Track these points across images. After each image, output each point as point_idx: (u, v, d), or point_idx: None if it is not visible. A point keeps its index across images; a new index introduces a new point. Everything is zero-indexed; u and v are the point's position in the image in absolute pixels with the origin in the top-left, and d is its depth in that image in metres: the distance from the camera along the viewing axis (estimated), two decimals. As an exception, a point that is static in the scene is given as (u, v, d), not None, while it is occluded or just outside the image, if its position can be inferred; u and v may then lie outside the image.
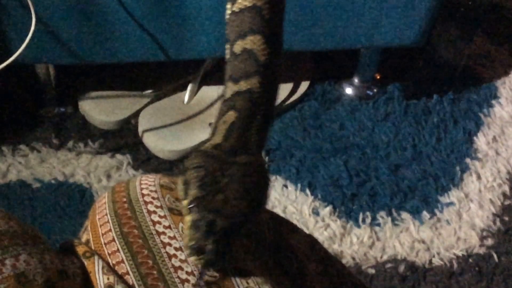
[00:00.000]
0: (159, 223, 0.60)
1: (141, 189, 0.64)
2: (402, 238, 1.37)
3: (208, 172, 0.56)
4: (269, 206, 1.40)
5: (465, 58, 1.69)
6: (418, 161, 1.50)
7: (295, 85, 1.60)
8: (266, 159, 1.47)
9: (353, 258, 1.33)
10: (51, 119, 1.50)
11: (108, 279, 0.58)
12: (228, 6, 0.62)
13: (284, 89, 1.58)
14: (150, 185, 0.64)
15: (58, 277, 0.57)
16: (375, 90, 1.63)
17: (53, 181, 1.39)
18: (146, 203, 0.62)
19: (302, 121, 1.55)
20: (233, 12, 0.62)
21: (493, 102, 1.63)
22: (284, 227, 0.69)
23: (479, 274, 1.32)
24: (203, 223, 0.53)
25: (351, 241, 1.36)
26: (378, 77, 1.64)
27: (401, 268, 1.32)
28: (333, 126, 1.55)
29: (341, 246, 1.35)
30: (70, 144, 1.46)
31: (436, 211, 1.41)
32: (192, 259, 0.53)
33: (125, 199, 0.63)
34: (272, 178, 1.44)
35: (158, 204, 0.62)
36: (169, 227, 0.60)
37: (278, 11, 0.62)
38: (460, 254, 1.35)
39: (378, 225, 1.39)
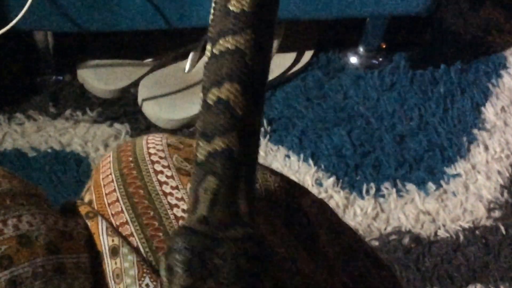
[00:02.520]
0: (166, 183, 0.58)
1: (148, 148, 0.61)
2: (407, 210, 1.34)
3: (195, 254, 0.47)
4: (270, 176, 1.37)
5: (473, 28, 1.65)
6: (424, 131, 1.46)
7: (298, 54, 1.56)
8: (268, 129, 1.44)
9: (357, 230, 1.30)
10: (48, 87, 1.47)
11: (112, 240, 0.56)
12: (208, 47, 0.52)
13: (287, 58, 1.54)
14: (157, 144, 0.61)
15: (61, 238, 0.56)
16: (380, 60, 1.59)
17: (49, 150, 1.37)
18: (153, 162, 0.59)
19: (305, 90, 1.52)
20: (213, 55, 0.52)
21: (502, 72, 1.59)
22: (295, 190, 0.65)
23: (485, 247, 1.29)
24: None
25: (354, 213, 1.33)
26: (384, 46, 1.60)
27: (406, 240, 1.29)
28: (337, 96, 1.52)
29: (344, 217, 1.32)
30: (68, 112, 1.43)
31: (442, 182, 1.38)
32: None
33: (131, 158, 0.60)
34: (274, 148, 1.41)
35: (166, 163, 0.59)
36: (177, 187, 0.57)
37: (264, 57, 0.52)
38: (466, 226, 1.31)
39: (383, 196, 1.36)
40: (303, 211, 0.63)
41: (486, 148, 1.44)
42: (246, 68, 0.51)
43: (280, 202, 0.62)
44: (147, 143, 0.62)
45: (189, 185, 0.57)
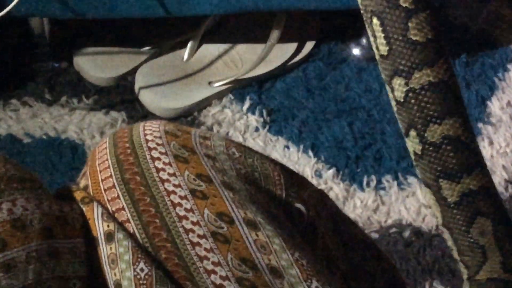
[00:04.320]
0: (163, 170, 0.57)
1: (145, 134, 0.60)
2: (408, 203, 1.30)
3: None
4: (268, 166, 1.34)
5: (480, 21, 1.62)
6: (427, 124, 1.43)
7: (299, 44, 1.53)
8: (268, 119, 1.41)
9: (357, 222, 1.27)
10: (44, 74, 1.45)
11: (108, 226, 0.55)
12: (397, 81, 0.50)
13: (288, 49, 1.51)
14: (154, 131, 0.60)
15: (56, 223, 0.56)
16: (384, 52, 1.56)
17: (44, 137, 1.35)
18: (150, 149, 0.58)
19: (306, 81, 1.49)
20: (411, 90, 0.50)
21: (509, 66, 1.55)
22: (295, 179, 0.64)
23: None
24: None
25: (354, 205, 1.30)
26: (388, 38, 1.57)
27: (406, 233, 1.26)
28: (338, 87, 1.49)
29: (344, 209, 1.29)
30: (63, 99, 1.41)
31: (445, 176, 1.34)
32: None
33: (127, 145, 0.59)
34: (274, 139, 1.39)
35: (163, 150, 0.58)
36: (174, 174, 0.56)
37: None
38: (469, 220, 1.28)
39: (383, 189, 1.33)
40: (302, 201, 0.61)
41: (491, 142, 1.41)
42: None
43: (279, 191, 0.60)
44: (144, 129, 0.61)
45: (186, 172, 0.55)
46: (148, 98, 1.41)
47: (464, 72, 1.53)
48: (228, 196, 0.55)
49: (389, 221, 1.28)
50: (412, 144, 0.52)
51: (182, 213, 0.54)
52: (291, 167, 1.32)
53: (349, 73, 1.51)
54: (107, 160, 0.59)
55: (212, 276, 0.52)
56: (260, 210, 0.56)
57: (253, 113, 1.41)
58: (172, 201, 0.55)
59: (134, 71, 1.45)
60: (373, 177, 1.34)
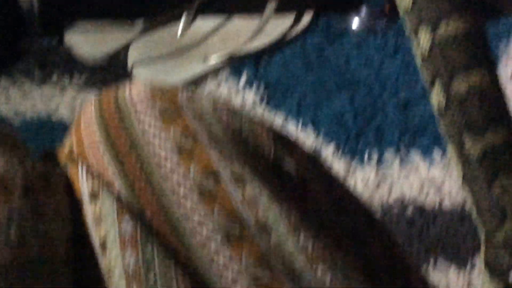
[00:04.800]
0: (149, 130, 0.56)
1: (131, 95, 0.59)
2: (411, 179, 1.27)
3: None
4: (266, 143, 1.31)
5: (482, -11, 1.58)
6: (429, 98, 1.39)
7: (297, 16, 1.48)
8: (265, 94, 1.37)
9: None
10: (34, 52, 1.41)
11: (92, 186, 0.55)
12: (423, 32, 0.49)
13: (285, 21, 1.47)
14: (140, 92, 0.59)
15: (39, 182, 0.55)
16: (384, 23, 1.52)
17: (35, 117, 1.31)
18: (135, 109, 0.58)
19: (304, 55, 1.45)
20: (437, 41, 0.48)
21: (513, 36, 1.51)
22: (285, 140, 0.62)
23: (493, 217, 1.23)
24: None
25: (355, 182, 1.27)
26: (388, 8, 1.53)
27: (409, 210, 1.23)
28: (338, 61, 1.45)
29: (345, 187, 1.26)
30: (55, 78, 1.37)
31: (448, 150, 1.31)
32: None
33: (113, 106, 0.59)
34: (272, 114, 1.35)
35: (149, 110, 0.57)
36: (159, 133, 0.56)
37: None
38: (473, 195, 1.25)
39: (385, 164, 1.29)
40: (292, 162, 0.59)
41: None
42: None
43: (268, 150, 0.58)
44: (130, 90, 0.60)
45: (172, 130, 0.55)
46: (141, 75, 1.37)
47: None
48: (214, 153, 0.55)
49: (391, 199, 1.25)
50: (436, 97, 0.48)
51: (167, 171, 0.54)
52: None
53: (348, 46, 1.47)
54: (91, 120, 0.59)
55: (198, 232, 0.51)
56: (247, 165, 0.55)
57: (250, 88, 1.38)
58: (157, 160, 0.54)
59: (127, 47, 1.41)
60: (374, 152, 1.30)
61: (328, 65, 1.44)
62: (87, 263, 0.54)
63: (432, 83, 0.49)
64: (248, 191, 0.53)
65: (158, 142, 0.55)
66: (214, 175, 0.53)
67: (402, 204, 1.24)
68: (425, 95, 1.39)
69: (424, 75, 0.50)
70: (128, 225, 0.52)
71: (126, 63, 1.39)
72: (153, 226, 0.52)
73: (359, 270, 0.54)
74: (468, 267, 1.16)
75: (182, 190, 0.53)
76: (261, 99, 1.36)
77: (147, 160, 0.55)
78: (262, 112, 1.35)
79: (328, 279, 0.51)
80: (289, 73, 1.42)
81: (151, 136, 0.56)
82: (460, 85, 0.48)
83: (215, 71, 1.39)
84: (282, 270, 0.50)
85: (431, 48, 0.50)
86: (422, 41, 0.50)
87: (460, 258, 1.18)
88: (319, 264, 0.51)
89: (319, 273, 0.51)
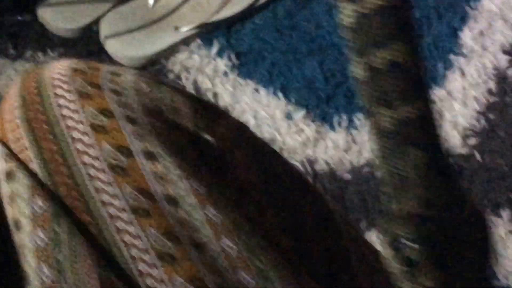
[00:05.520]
0: (67, 107, 0.57)
1: (52, 73, 0.59)
2: (380, 141, 1.30)
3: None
4: (238, 111, 1.33)
5: None
6: (398, 59, 1.41)
7: (267, -17, 1.49)
8: (237, 63, 1.39)
9: (328, 164, 1.27)
10: (7, 28, 1.41)
11: (8, 165, 0.55)
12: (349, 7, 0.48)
13: (255, -12, 1.48)
14: (61, 69, 0.60)
15: None
16: (354, -14, 1.52)
17: (10, 94, 1.33)
18: (54, 87, 0.58)
19: (275, 21, 1.46)
20: (361, 15, 0.48)
21: (481, -6, 1.52)
22: (209, 112, 0.63)
23: (460, 175, 1.26)
24: None
25: (326, 146, 1.30)
26: (357, -29, 1.53)
27: (378, 172, 1.26)
28: (308, 26, 1.46)
29: (315, 151, 1.29)
30: (28, 54, 1.38)
31: (417, 111, 1.34)
32: None
33: (34, 84, 0.59)
34: (243, 82, 1.37)
35: (68, 87, 0.58)
36: (76, 111, 0.56)
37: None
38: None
39: (355, 128, 1.32)
40: (213, 133, 0.60)
41: (463, 73, 1.39)
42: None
43: (187, 123, 0.60)
44: (53, 68, 0.61)
45: (89, 107, 0.56)
46: (113, 48, 1.38)
47: (435, 2, 1.50)
48: (129, 129, 0.56)
49: (361, 161, 1.28)
50: (356, 69, 0.50)
51: (82, 148, 0.55)
52: (261, 111, 1.32)
53: (319, 11, 1.48)
54: (13, 100, 0.59)
55: (109, 208, 0.53)
56: (161, 141, 0.56)
57: (221, 57, 1.39)
58: (73, 137, 0.55)
59: (99, 19, 1.42)
60: (344, 116, 1.33)
61: (299, 31, 1.45)
62: (6, 237, 0.55)
63: (352, 57, 0.51)
64: (159, 167, 0.54)
65: (75, 119, 0.56)
66: (127, 152, 0.55)
67: (372, 166, 1.27)
68: (394, 57, 1.41)
69: (347, 49, 0.51)
70: (40, 204, 0.53)
71: (99, 36, 1.41)
72: (67, 203, 0.53)
73: (274, 240, 0.56)
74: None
75: (95, 166, 0.54)
76: (233, 68, 1.38)
77: (63, 138, 0.55)
78: (234, 81, 1.36)
79: (234, 251, 0.53)
80: (260, 41, 1.43)
81: (69, 112, 0.57)
82: (378, 58, 0.49)
83: (186, 41, 1.40)
84: (189, 243, 0.52)
85: (357, 21, 0.50)
86: (346, 14, 0.51)
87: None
88: (226, 237, 0.53)
89: (224, 245, 0.53)
